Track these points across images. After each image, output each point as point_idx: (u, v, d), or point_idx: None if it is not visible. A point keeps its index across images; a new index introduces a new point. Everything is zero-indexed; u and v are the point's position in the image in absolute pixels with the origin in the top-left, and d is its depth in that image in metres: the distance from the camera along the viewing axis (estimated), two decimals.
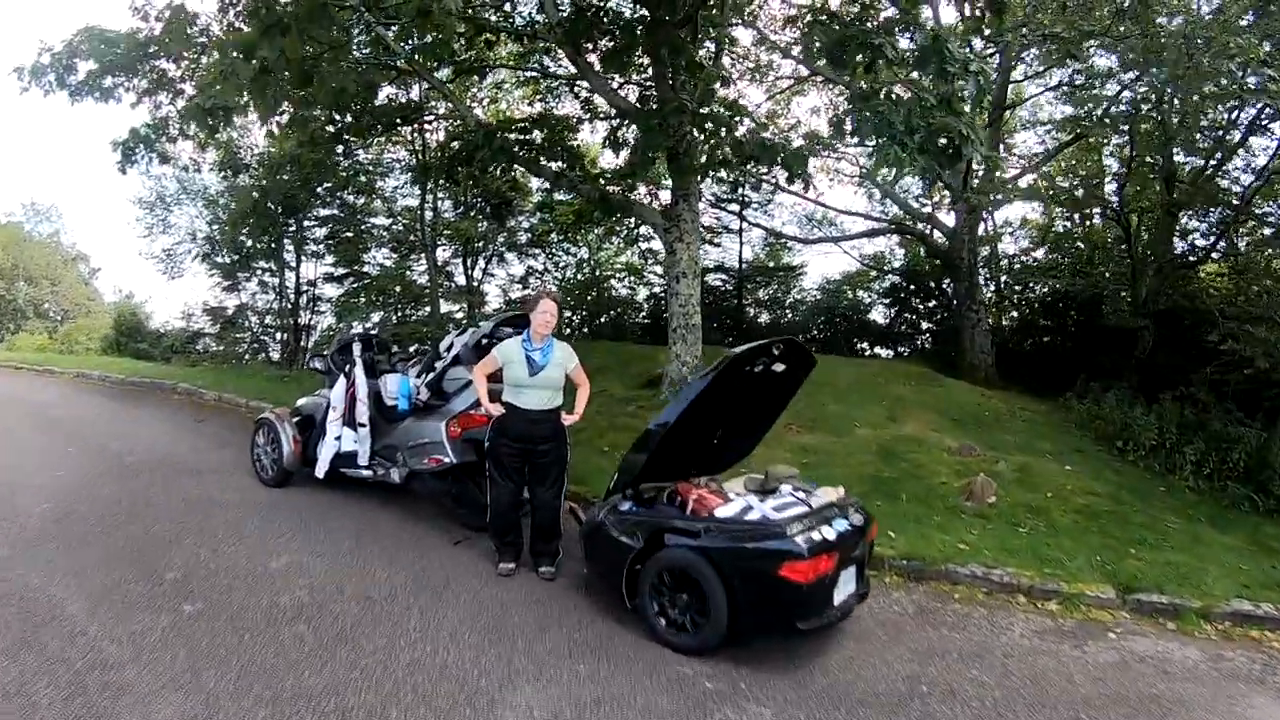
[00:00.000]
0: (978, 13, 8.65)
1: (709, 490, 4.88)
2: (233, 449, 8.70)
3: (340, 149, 12.91)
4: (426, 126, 15.63)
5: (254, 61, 7.03)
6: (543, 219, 20.14)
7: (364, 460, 6.62)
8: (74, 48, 10.92)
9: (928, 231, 17.70)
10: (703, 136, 9.14)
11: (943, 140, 7.48)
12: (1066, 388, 12.85)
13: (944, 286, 19.27)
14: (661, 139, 8.97)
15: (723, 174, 10.75)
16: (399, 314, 18.68)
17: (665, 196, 14.97)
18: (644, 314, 20.35)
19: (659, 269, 21.20)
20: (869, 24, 7.61)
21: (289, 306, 19.63)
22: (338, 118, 11.72)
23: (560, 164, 10.35)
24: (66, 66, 10.92)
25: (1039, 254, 19.13)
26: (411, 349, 8.32)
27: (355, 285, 19.36)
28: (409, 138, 17.17)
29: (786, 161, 8.68)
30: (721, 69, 10.29)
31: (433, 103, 13.57)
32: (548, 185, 18.87)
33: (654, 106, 10.06)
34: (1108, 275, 16.03)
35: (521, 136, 10.61)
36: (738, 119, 9.08)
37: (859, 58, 7.33)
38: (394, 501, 6.92)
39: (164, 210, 20.44)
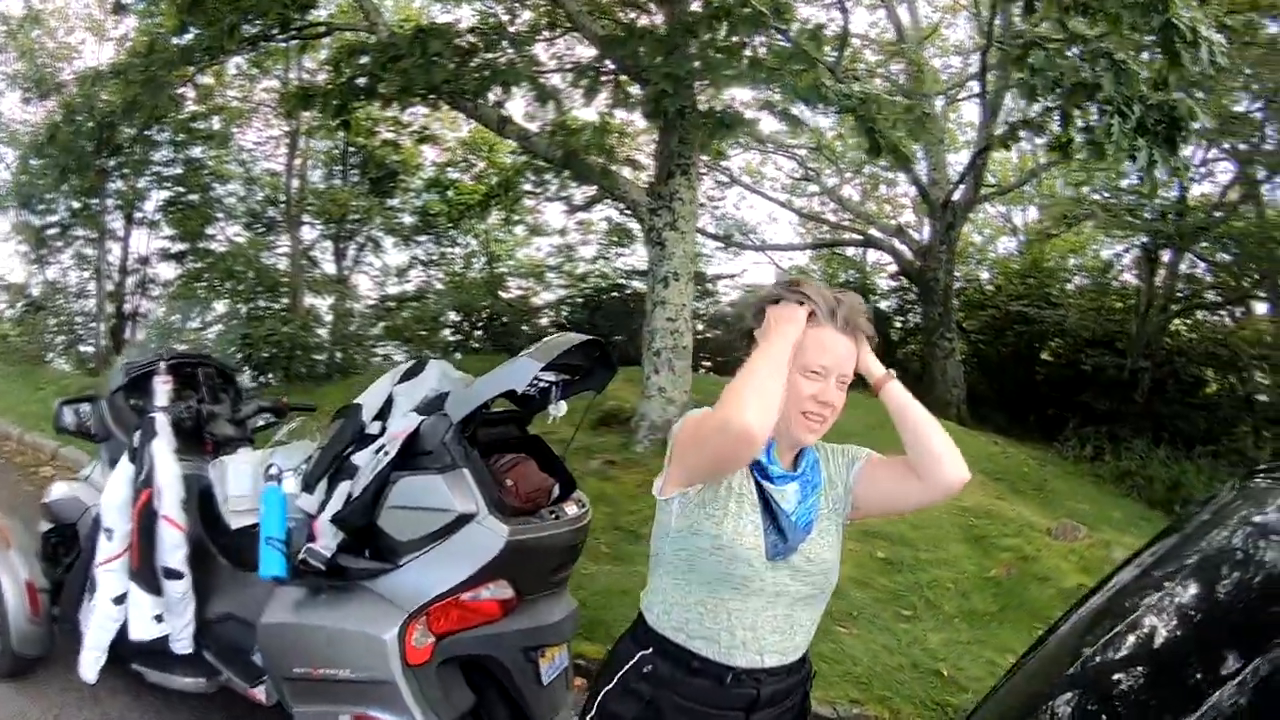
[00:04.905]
0: None
1: None
2: None
3: (190, 74, 9.17)
4: (315, 42, 11.80)
5: None
6: (433, 197, 16.90)
7: (183, 645, 3.05)
8: None
9: (895, 246, 15.53)
10: (761, 74, 6.10)
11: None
12: (1044, 430, 12.22)
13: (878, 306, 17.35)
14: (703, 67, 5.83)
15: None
16: (250, 304, 14.78)
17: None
18: (549, 323, 17.26)
19: (578, 268, 18.36)
20: None
21: (111, 289, 15.56)
22: (191, 28, 8.04)
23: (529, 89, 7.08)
24: None
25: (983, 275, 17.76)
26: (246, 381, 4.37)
27: (196, 265, 15.48)
28: (285, 57, 13.39)
29: (875, 122, 5.83)
30: None
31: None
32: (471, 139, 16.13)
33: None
34: (1102, 309, 14.58)
35: (462, 57, 7.14)
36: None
37: None
38: None
39: None
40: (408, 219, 17.19)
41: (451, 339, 16.88)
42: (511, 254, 18.90)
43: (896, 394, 1.77)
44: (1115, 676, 1.86)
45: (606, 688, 1.79)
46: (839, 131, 15.32)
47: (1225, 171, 12.68)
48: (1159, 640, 1.83)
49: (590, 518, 3.01)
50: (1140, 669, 1.81)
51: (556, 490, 2.95)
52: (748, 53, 6.22)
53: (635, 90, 7.85)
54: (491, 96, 7.66)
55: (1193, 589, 1.94)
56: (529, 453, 3.00)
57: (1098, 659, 1.91)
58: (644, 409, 8.04)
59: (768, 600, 1.71)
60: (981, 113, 13.53)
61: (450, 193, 16.77)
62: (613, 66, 7.88)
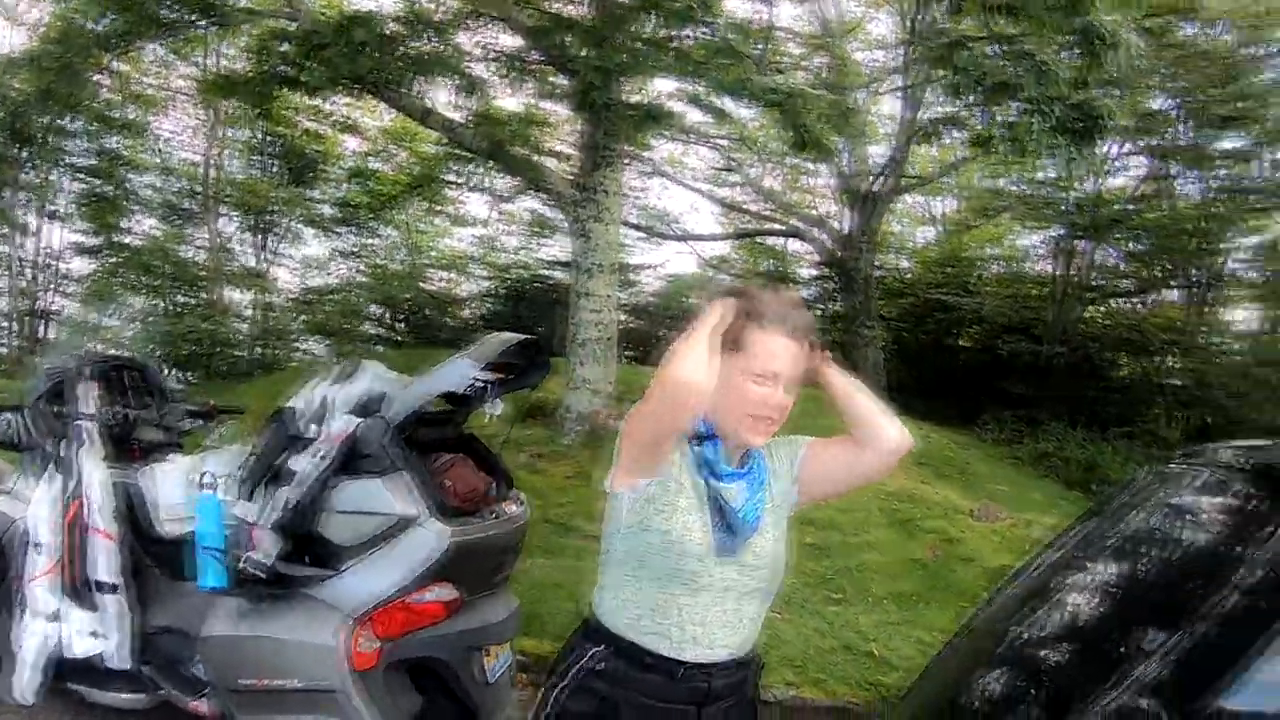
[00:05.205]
0: None
1: None
2: None
3: (105, 60, 8.74)
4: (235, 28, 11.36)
5: None
6: (354, 188, 16.41)
7: (119, 661, 2.95)
8: None
9: (815, 236, 15.70)
10: (689, 67, 6.13)
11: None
12: (964, 415, 12.11)
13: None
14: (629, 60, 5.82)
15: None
16: (168, 299, 14.31)
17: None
18: (471, 314, 17.13)
19: (500, 259, 18.10)
20: None
21: (24, 286, 14.91)
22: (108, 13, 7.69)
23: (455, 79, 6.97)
24: None
25: (903, 264, 17.96)
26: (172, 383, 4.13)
27: (112, 260, 14.87)
28: (204, 43, 12.77)
29: (800, 117, 5.93)
30: None
31: None
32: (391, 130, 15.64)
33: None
34: (1018, 297, 14.88)
35: (386, 48, 6.96)
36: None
37: None
38: None
39: None
40: (328, 210, 16.68)
41: (374, 332, 16.55)
42: (434, 245, 18.52)
43: (832, 373, 1.81)
44: (1042, 653, 1.94)
45: (560, 684, 1.78)
46: (761, 123, 15.41)
47: (1139, 166, 13.17)
48: (1083, 618, 1.92)
49: (529, 516, 3.02)
50: (1065, 645, 1.89)
51: (494, 489, 2.95)
52: (675, 45, 6.23)
53: (560, 80, 7.80)
54: (416, 87, 7.52)
55: (1114, 569, 2.03)
56: (465, 452, 2.98)
57: (1025, 636, 1.99)
58: (570, 400, 8.07)
59: (716, 595, 1.73)
60: (903, 107, 13.72)
61: (371, 183, 16.32)
62: (539, 56, 7.82)
